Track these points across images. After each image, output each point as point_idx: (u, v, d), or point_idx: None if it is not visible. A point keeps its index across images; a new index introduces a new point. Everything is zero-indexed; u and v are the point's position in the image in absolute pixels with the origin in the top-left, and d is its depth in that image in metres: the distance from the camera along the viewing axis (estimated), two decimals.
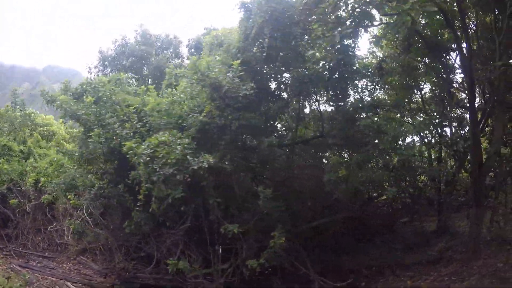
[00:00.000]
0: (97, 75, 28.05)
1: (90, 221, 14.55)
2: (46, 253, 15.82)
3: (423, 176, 17.52)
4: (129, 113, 13.33)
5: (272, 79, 13.38)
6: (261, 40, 12.36)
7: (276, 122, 14.47)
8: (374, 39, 14.09)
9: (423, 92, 16.60)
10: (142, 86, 14.57)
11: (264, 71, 12.85)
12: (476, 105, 13.74)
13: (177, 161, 10.23)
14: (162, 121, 12.44)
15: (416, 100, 16.72)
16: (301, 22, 11.92)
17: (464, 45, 12.28)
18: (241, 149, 11.93)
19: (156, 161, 10.26)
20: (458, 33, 11.92)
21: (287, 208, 11.91)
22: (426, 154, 17.32)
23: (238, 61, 11.57)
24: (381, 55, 15.57)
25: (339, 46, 12.30)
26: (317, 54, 11.92)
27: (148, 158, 10.29)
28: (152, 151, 10.35)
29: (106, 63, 30.34)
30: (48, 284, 13.06)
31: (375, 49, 15.78)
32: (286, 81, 13.44)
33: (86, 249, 14.69)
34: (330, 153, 14.76)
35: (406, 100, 16.14)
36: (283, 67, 12.63)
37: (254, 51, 12.49)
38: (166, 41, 31.86)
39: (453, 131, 14.81)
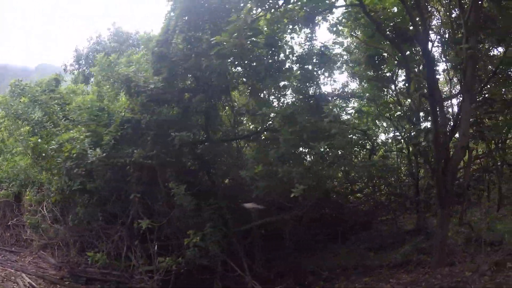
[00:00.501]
0: (73, 73, 26.26)
1: (49, 217, 13.50)
2: (13, 248, 15.01)
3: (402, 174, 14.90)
4: (56, 111, 12.71)
5: (191, 72, 11.16)
6: (178, 31, 10.83)
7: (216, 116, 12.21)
8: (334, 28, 11.32)
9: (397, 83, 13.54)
10: (81, 84, 12.76)
11: (183, 64, 10.88)
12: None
13: (77, 155, 9.57)
14: (81, 118, 11.64)
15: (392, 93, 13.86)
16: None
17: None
18: (166, 145, 10.39)
19: (61, 155, 9.73)
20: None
21: (221, 207, 10.85)
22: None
23: (139, 55, 11.41)
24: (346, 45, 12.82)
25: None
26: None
27: (53, 153, 9.93)
28: (58, 146, 9.86)
29: (81, 61, 28.20)
30: (5, 275, 12.30)
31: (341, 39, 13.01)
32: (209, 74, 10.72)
33: (47, 244, 13.65)
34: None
35: (382, 92, 13.25)
36: (204, 58, 10.29)
37: (173, 43, 10.90)
38: (136, 38, 29.40)
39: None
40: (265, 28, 11.04)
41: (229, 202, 10.99)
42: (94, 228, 12.10)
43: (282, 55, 11.67)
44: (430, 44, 11.64)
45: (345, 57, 13.75)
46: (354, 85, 14.87)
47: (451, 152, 10.60)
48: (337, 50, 12.84)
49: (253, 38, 9.29)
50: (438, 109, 11.22)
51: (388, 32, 10.92)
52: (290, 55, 11.88)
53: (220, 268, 10.75)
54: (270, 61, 11.22)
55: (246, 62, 10.73)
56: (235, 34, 8.20)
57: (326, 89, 20.25)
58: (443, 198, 10.19)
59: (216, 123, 11.51)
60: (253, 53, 10.40)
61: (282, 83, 12.05)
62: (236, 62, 10.80)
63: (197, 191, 10.51)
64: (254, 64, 10.79)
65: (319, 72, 12.84)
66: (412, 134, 11.58)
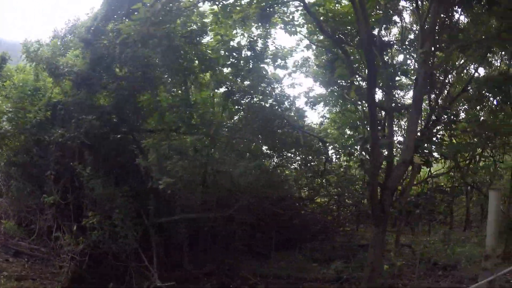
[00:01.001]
0: None
1: None
2: None
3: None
4: None
5: (117, 60, 9.81)
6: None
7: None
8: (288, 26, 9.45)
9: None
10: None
11: (111, 52, 9.64)
12: None
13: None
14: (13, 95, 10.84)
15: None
16: None
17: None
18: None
19: None
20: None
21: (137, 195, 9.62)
22: None
23: (57, 40, 10.57)
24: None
25: None
26: None
27: None
28: None
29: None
30: None
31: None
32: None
33: None
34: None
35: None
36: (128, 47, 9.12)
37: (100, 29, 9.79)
38: None
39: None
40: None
41: (156, 194, 9.64)
42: (31, 204, 11.10)
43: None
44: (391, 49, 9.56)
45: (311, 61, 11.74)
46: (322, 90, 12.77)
47: None
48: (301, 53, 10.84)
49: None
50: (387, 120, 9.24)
51: (340, 35, 8.89)
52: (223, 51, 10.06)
53: (132, 257, 9.56)
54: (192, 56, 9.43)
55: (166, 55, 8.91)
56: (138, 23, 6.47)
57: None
58: (378, 216, 8.17)
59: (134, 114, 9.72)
60: (172, 43, 8.51)
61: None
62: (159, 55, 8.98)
63: (116, 179, 9.48)
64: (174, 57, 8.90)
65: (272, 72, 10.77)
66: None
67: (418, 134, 8.81)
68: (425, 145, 8.74)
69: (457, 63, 12.04)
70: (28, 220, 11.45)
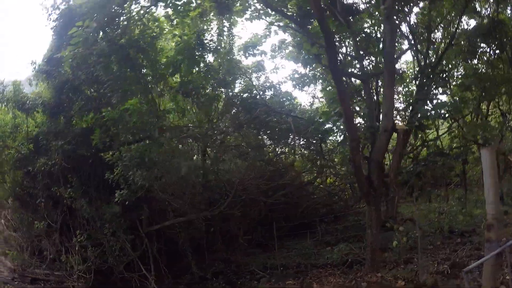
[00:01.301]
0: None
1: (6, 226, 11.81)
2: None
3: None
4: None
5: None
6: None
7: None
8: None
9: None
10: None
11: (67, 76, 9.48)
12: None
13: None
14: None
15: None
16: None
17: None
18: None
19: None
20: None
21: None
22: None
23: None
24: None
25: None
26: None
27: None
28: None
29: None
30: None
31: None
32: None
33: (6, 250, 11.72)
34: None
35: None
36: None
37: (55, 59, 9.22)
38: None
39: None
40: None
41: (148, 202, 9.31)
42: (38, 233, 10.75)
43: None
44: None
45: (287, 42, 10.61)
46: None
47: None
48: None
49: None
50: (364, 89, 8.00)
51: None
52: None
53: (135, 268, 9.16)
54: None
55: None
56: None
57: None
58: (367, 192, 7.05)
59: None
60: (119, 55, 8.10)
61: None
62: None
63: (103, 195, 8.97)
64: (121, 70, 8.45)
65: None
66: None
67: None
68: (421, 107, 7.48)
69: (438, 19, 10.51)
70: (40, 247, 11.24)
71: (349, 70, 8.70)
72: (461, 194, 11.98)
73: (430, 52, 11.15)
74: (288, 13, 8.04)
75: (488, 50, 11.63)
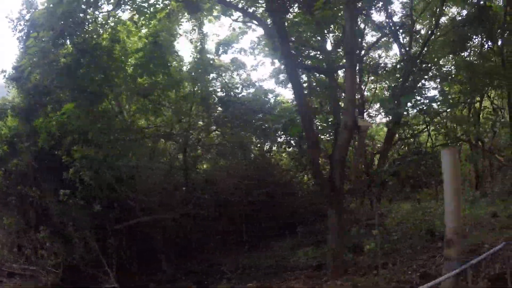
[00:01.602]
0: None
1: None
2: None
3: None
4: None
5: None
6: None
7: None
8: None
9: None
10: None
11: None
12: None
13: None
14: None
15: None
16: None
17: None
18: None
19: None
20: None
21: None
22: None
23: None
24: None
25: None
26: None
27: None
28: None
29: None
30: None
31: None
32: None
33: None
34: None
35: None
36: None
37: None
38: None
39: None
40: None
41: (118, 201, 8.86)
42: (17, 229, 10.43)
43: None
44: None
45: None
46: None
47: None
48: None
49: None
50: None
51: None
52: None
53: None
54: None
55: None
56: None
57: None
58: (328, 194, 6.02)
59: None
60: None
61: None
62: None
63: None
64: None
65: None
66: None
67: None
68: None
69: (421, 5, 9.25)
70: (18, 243, 10.87)
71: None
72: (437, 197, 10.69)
73: (414, 43, 9.93)
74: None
75: (477, 40, 10.27)
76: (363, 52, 9.90)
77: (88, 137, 7.95)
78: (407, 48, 9.55)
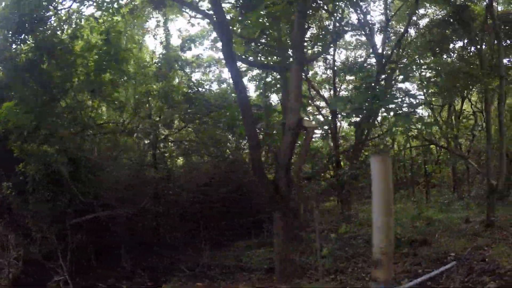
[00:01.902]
0: None
1: None
2: None
3: None
4: None
5: None
6: None
7: None
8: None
9: None
10: None
11: None
12: None
13: None
14: None
15: None
16: None
17: None
18: None
19: None
20: None
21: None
22: None
23: None
24: None
25: None
26: None
27: None
28: None
29: None
30: None
31: None
32: None
33: None
34: None
35: None
36: None
37: None
38: None
39: None
40: None
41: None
42: None
43: None
44: None
45: None
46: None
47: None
48: None
49: None
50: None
51: None
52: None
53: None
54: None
55: None
56: None
57: None
58: (272, 198, 5.26)
59: None
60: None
61: None
62: None
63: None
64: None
65: None
66: None
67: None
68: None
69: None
70: None
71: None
72: (419, 198, 9.82)
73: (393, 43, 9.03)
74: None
75: (456, 40, 9.30)
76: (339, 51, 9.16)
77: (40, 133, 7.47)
78: (380, 47, 8.71)
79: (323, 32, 7.32)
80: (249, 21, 6.35)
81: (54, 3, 7.36)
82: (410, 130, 7.81)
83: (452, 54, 10.07)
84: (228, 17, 7.30)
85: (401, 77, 9.05)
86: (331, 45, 7.93)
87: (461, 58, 9.77)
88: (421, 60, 10.02)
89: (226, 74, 10.70)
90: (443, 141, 10.26)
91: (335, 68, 10.45)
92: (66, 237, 8.52)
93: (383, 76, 8.63)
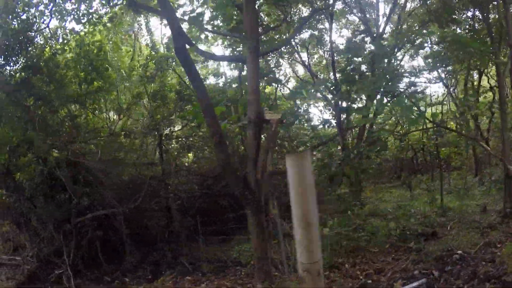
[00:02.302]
0: None
1: None
2: None
3: None
4: None
5: None
6: None
7: None
8: None
9: None
10: None
11: None
12: None
13: None
14: None
15: None
16: None
17: None
18: None
19: None
20: None
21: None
22: None
23: None
24: None
25: None
26: None
27: None
28: None
29: None
30: None
31: None
32: None
33: None
34: None
35: None
36: None
37: None
38: None
39: None
40: None
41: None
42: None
43: None
44: None
45: None
46: None
47: None
48: None
49: None
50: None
51: None
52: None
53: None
54: None
55: None
56: None
57: None
58: (242, 195, 4.67)
59: None
60: None
61: None
62: None
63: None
64: None
65: None
66: None
67: None
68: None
69: None
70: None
71: None
72: (433, 184, 8.37)
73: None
74: None
75: (463, 10, 7.60)
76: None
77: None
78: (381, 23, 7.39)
79: (289, 18, 6.31)
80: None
81: (35, 25, 7.38)
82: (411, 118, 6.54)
83: (460, 26, 8.36)
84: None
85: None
86: (302, 30, 6.84)
87: (471, 29, 8.03)
88: (424, 31, 8.46)
89: (223, 68, 10.07)
90: (452, 123, 8.66)
91: (333, 51, 9.36)
92: (70, 236, 9.07)
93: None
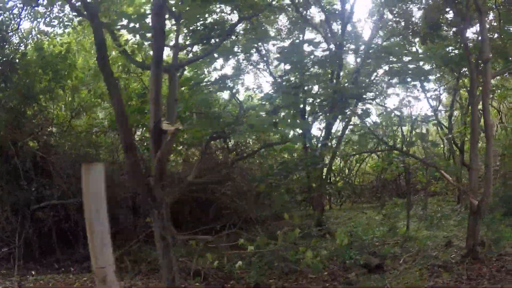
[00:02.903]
0: None
1: None
2: None
3: None
4: None
5: None
6: None
7: None
8: None
9: None
10: None
11: None
12: None
13: None
14: None
15: None
16: None
17: None
18: None
19: None
20: None
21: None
22: None
23: None
24: None
25: None
26: None
27: None
28: None
29: None
30: None
31: None
32: None
33: None
34: None
35: None
36: None
37: None
38: None
39: None
40: None
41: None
42: None
43: None
44: None
45: None
46: None
47: None
48: None
49: None
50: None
51: None
52: None
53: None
54: None
55: None
56: None
57: None
58: (148, 204, 4.66)
59: None
60: None
61: None
62: None
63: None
64: None
65: None
66: None
67: None
68: None
69: None
70: None
71: None
72: (391, 209, 7.71)
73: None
74: None
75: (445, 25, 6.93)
76: None
77: None
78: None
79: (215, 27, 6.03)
80: None
81: (11, 25, 8.13)
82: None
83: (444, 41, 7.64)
84: None
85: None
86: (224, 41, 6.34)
87: (454, 43, 7.33)
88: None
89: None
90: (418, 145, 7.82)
91: None
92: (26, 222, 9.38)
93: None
